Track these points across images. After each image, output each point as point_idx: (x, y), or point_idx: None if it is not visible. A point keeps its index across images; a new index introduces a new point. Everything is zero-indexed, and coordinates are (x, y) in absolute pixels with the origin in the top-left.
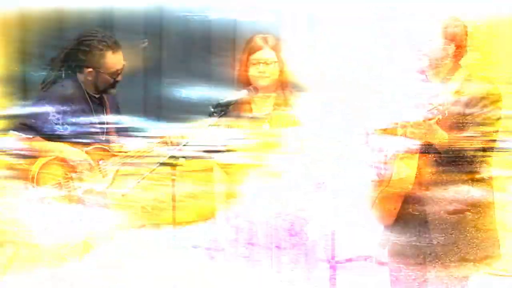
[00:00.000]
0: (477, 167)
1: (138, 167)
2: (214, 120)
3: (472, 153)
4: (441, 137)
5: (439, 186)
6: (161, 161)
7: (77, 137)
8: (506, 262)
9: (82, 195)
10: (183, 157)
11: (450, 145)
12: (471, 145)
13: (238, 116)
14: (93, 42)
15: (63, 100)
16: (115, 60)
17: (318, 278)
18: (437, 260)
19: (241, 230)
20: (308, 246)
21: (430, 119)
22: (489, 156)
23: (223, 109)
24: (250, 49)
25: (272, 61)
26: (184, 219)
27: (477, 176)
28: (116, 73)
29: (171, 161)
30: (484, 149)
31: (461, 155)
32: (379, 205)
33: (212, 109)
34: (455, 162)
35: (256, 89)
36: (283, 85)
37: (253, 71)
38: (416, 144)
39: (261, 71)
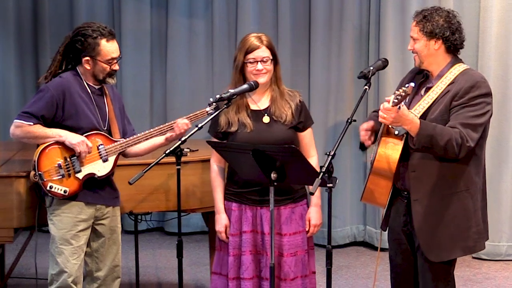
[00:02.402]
0: (450, 155)
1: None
2: (216, 113)
3: (444, 142)
4: (413, 124)
5: (424, 172)
6: (167, 152)
7: (78, 125)
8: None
9: (82, 179)
10: (188, 148)
11: (422, 131)
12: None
13: (238, 110)
14: (88, 31)
15: (63, 88)
16: (109, 48)
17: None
18: (422, 244)
19: (244, 217)
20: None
21: (396, 105)
22: (470, 145)
23: (225, 103)
24: (248, 48)
25: (268, 59)
26: (189, 206)
27: (461, 168)
28: (112, 62)
29: (176, 151)
30: (461, 139)
31: (434, 143)
32: (369, 186)
33: (215, 103)
34: (426, 148)
35: (256, 83)
36: (277, 80)
37: (251, 69)
38: (401, 129)
39: (258, 69)
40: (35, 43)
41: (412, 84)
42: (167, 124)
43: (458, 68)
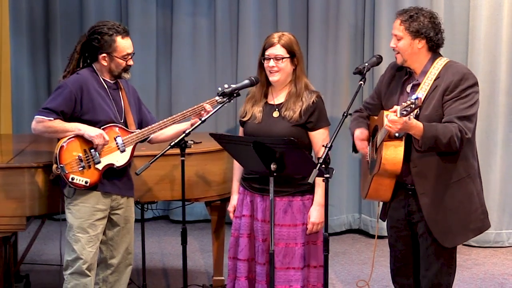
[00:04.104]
0: (454, 149)
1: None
2: (219, 106)
3: (447, 140)
4: (417, 129)
5: (425, 167)
6: (172, 144)
7: (96, 119)
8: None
9: (101, 169)
10: (192, 140)
11: (426, 134)
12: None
13: (255, 102)
14: (103, 29)
15: (80, 84)
16: (124, 44)
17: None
18: (428, 232)
19: (244, 202)
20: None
21: (405, 116)
22: (469, 137)
23: (228, 97)
24: (265, 44)
25: (281, 58)
26: (193, 196)
27: (459, 155)
28: (128, 57)
29: (181, 143)
30: (460, 132)
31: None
32: (374, 186)
33: (218, 97)
34: (432, 148)
35: (257, 79)
36: (296, 79)
37: (266, 65)
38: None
39: (270, 65)
40: (46, 40)
41: (421, 96)
42: (179, 113)
43: (440, 63)
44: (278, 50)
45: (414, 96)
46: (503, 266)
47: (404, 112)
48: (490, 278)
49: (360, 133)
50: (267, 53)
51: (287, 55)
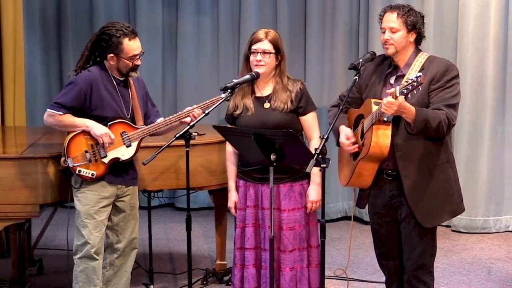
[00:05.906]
0: (442, 134)
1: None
2: (222, 100)
3: (436, 124)
4: (410, 112)
5: (410, 151)
6: (177, 135)
7: (104, 115)
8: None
9: (107, 163)
10: (196, 132)
11: (418, 118)
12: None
13: (244, 95)
14: (112, 31)
15: (90, 81)
16: (131, 46)
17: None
18: (410, 215)
19: (248, 193)
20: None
21: (405, 95)
22: (454, 124)
23: (230, 91)
24: (252, 40)
25: (269, 52)
26: (197, 184)
27: (441, 142)
28: (135, 58)
29: (186, 135)
30: (448, 119)
31: (428, 126)
32: (358, 171)
33: (221, 91)
34: (422, 131)
35: (257, 74)
36: (281, 73)
37: (252, 59)
38: (389, 116)
39: (257, 59)
40: (58, 37)
41: (420, 74)
42: (181, 112)
43: (422, 56)
44: (266, 45)
45: (413, 75)
46: (490, 251)
47: (405, 91)
48: (478, 262)
49: (345, 138)
50: (254, 47)
51: (273, 51)
